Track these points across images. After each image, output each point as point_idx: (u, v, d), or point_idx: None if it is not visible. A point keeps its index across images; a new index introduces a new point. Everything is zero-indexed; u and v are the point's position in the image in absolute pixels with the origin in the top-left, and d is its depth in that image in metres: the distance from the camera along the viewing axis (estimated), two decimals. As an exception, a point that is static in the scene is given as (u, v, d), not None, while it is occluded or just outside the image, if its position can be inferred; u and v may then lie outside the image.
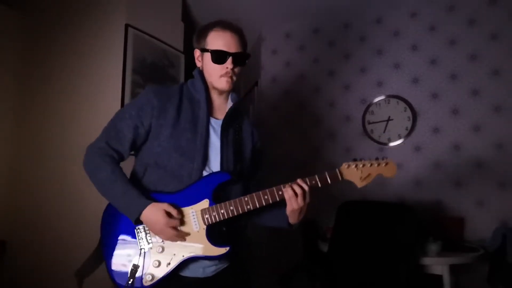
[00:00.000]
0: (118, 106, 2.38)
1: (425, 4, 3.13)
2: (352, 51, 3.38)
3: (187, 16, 3.28)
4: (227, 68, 1.28)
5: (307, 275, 2.67)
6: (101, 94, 2.45)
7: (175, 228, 1.19)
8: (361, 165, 1.27)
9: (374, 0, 3.16)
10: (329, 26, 3.47)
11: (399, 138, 3.10)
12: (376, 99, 3.23)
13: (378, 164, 1.28)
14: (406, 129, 3.07)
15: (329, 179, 1.25)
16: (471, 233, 2.81)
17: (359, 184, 1.28)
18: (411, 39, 3.17)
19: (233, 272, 1.33)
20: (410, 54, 3.16)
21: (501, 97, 2.86)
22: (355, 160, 1.28)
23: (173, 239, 1.20)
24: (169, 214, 1.18)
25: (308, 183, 1.24)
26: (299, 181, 1.23)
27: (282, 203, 1.26)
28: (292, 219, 1.29)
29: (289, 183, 1.24)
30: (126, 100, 2.42)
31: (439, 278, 2.33)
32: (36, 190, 2.56)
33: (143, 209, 1.17)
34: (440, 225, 2.77)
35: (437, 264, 2.34)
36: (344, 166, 1.27)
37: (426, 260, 2.31)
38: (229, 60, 1.28)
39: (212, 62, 1.29)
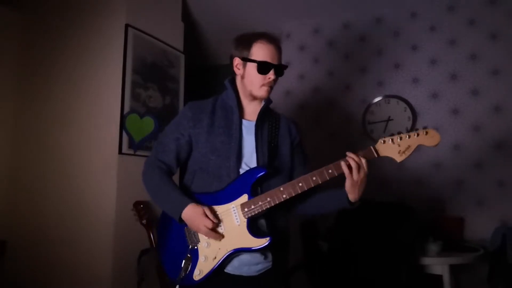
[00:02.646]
0: (118, 106, 2.38)
1: (425, 4, 3.13)
2: (352, 51, 3.38)
3: (187, 16, 3.28)
4: (269, 78, 1.37)
5: (307, 274, 2.67)
6: (101, 94, 2.45)
7: (209, 228, 1.26)
8: (398, 139, 1.24)
9: (374, 0, 3.16)
10: (329, 26, 3.47)
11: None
12: (376, 99, 3.23)
13: (418, 134, 1.23)
14: (406, 129, 3.07)
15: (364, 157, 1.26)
16: (471, 233, 2.81)
17: (398, 158, 1.25)
18: (411, 39, 3.17)
19: (277, 274, 1.38)
20: (410, 54, 3.16)
21: (501, 97, 2.86)
22: (391, 135, 1.26)
23: (209, 235, 1.27)
24: (205, 215, 1.26)
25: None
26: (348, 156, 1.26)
27: (318, 189, 1.31)
28: (353, 195, 1.29)
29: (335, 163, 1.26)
30: (126, 100, 2.42)
31: (439, 278, 2.33)
32: (36, 190, 2.56)
33: (184, 208, 1.27)
34: (440, 225, 2.77)
35: (437, 264, 2.34)
36: (380, 142, 1.26)
37: (426, 260, 2.31)
38: (272, 71, 1.37)
39: (256, 72, 1.37)
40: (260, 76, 1.37)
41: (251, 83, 1.39)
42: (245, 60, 1.39)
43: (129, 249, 2.32)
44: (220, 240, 1.30)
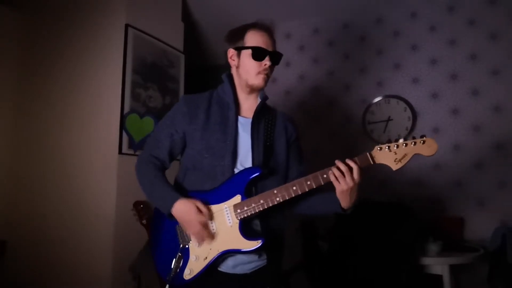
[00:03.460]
0: (118, 106, 2.38)
1: (425, 4, 3.13)
2: (352, 51, 3.38)
3: (187, 16, 3.28)
4: (265, 65, 1.34)
5: (306, 275, 2.67)
6: (101, 94, 2.45)
7: (202, 224, 1.23)
8: (394, 146, 1.21)
9: (374, 0, 3.16)
10: (329, 26, 3.47)
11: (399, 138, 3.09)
12: (376, 99, 3.23)
13: (415, 143, 1.19)
14: (406, 129, 3.07)
15: (360, 163, 1.23)
16: (471, 233, 2.81)
17: (394, 166, 1.22)
18: (411, 39, 3.16)
19: (270, 272, 1.36)
20: (410, 54, 3.16)
21: (501, 97, 2.86)
22: (389, 141, 1.22)
23: (200, 234, 1.24)
24: (198, 210, 1.24)
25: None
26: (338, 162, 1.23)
27: (314, 191, 1.29)
28: (344, 203, 1.26)
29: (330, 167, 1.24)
30: (126, 100, 2.42)
31: (439, 278, 2.33)
32: (36, 190, 2.56)
33: (174, 203, 1.25)
34: (440, 225, 2.77)
35: (437, 264, 2.34)
36: (376, 149, 1.23)
37: (426, 260, 2.31)
38: (267, 57, 1.34)
39: (251, 59, 1.34)
40: (255, 63, 1.34)
41: (246, 72, 1.36)
42: (239, 49, 1.37)
43: (129, 249, 2.32)
44: (210, 241, 1.27)
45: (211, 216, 1.27)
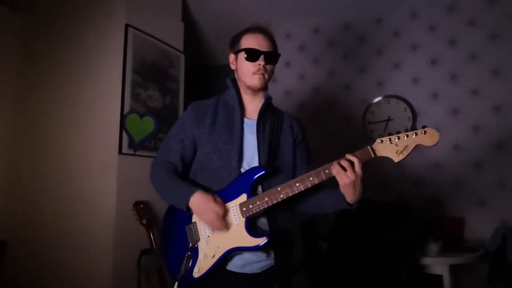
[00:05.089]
0: (118, 106, 2.38)
1: (425, 4, 3.13)
2: (352, 51, 3.38)
3: (187, 16, 3.28)
4: (259, 65, 1.38)
5: (307, 274, 2.67)
6: (101, 94, 2.45)
7: (219, 213, 1.26)
8: (396, 138, 1.22)
9: (374, 0, 3.16)
10: (329, 26, 3.47)
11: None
12: (376, 99, 3.23)
13: (416, 134, 1.20)
14: (406, 129, 3.03)
15: (361, 157, 1.23)
16: (471, 233, 2.81)
17: (396, 158, 1.22)
18: (411, 39, 3.17)
19: (279, 271, 1.38)
20: (410, 54, 3.16)
21: (501, 97, 2.86)
22: (390, 134, 1.23)
23: (216, 223, 1.27)
24: (215, 200, 1.28)
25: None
26: (339, 162, 1.23)
27: (319, 188, 1.31)
28: (349, 197, 1.27)
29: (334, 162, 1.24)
30: (126, 100, 2.42)
31: (439, 278, 2.33)
32: (36, 190, 2.56)
33: (192, 194, 1.28)
34: (440, 225, 2.77)
35: (437, 264, 2.34)
36: (378, 141, 1.24)
37: (426, 260, 2.31)
38: (261, 57, 1.38)
39: (245, 60, 1.39)
40: (250, 64, 1.38)
41: (243, 73, 1.41)
42: (236, 52, 1.43)
43: (129, 249, 2.32)
44: (222, 233, 1.30)
45: (224, 214, 1.29)
